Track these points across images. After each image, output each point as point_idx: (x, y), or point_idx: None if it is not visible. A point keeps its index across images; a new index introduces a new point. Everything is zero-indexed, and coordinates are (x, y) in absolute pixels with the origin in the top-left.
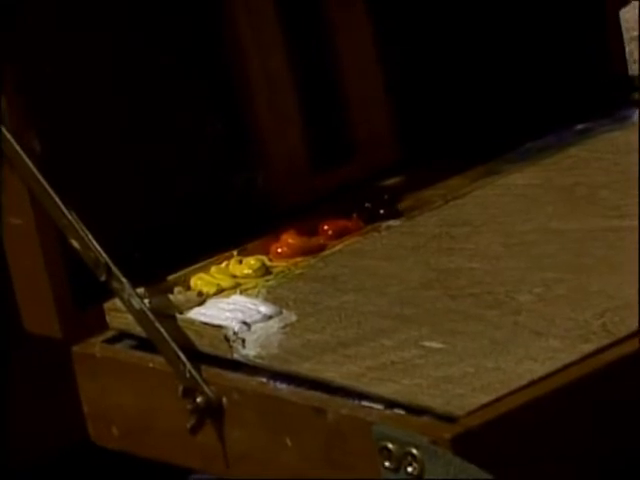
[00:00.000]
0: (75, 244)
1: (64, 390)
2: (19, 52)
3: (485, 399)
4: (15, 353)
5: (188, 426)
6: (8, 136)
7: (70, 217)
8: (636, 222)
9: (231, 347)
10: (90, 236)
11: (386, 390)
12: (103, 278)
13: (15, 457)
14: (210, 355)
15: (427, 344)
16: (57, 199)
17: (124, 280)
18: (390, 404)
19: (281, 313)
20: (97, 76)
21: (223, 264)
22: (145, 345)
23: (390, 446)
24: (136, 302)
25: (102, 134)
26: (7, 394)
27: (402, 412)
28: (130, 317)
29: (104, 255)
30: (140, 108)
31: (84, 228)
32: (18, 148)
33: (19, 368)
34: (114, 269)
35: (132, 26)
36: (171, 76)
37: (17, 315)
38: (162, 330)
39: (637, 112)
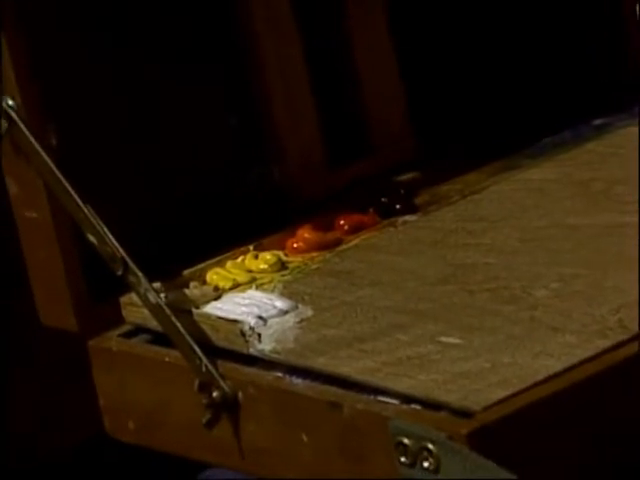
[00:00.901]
0: (91, 238)
1: (73, 386)
2: (35, 43)
3: (502, 394)
4: (17, 351)
5: (204, 421)
6: (25, 130)
7: (86, 211)
8: None
9: (247, 342)
10: (106, 230)
11: (402, 385)
12: (119, 272)
13: (20, 456)
14: (226, 350)
15: (443, 339)
16: (73, 193)
17: (140, 274)
18: (406, 399)
19: (297, 308)
20: (114, 69)
21: (239, 259)
22: (161, 339)
23: (406, 441)
24: (152, 296)
25: (118, 128)
26: (9, 392)
27: (418, 407)
28: (146, 311)
29: (121, 249)
30: (156, 102)
31: (100, 222)
32: (35, 142)
33: (24, 365)
34: (130, 263)
35: (148, 18)
36: (186, 69)
37: (26, 310)
38: (178, 324)
39: None
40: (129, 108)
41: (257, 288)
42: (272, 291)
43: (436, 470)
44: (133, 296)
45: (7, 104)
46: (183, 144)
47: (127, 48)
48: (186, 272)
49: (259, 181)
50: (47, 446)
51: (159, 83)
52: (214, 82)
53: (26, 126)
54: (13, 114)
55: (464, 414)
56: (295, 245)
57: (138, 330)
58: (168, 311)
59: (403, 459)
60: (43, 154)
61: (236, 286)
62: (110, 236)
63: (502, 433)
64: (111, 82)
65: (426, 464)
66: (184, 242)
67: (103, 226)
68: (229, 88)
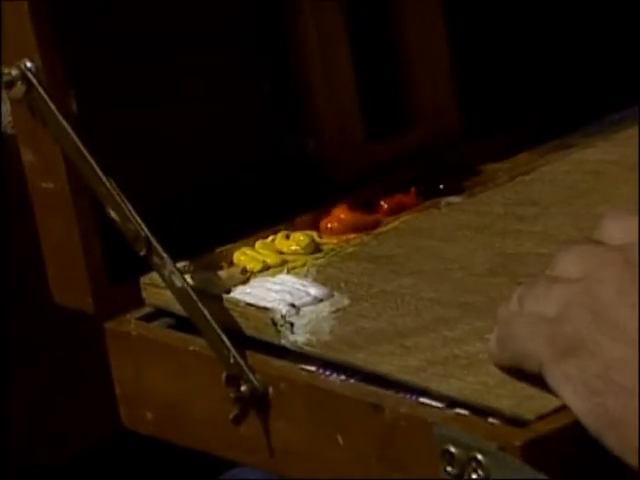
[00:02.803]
0: (113, 214)
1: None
2: (58, 3)
3: (559, 402)
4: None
5: (231, 416)
6: (43, 94)
7: (108, 185)
8: None
9: (279, 332)
10: (130, 206)
11: (448, 387)
12: (143, 252)
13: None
14: (256, 340)
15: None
16: (94, 164)
17: (165, 255)
18: (452, 403)
19: (332, 296)
20: (141, 32)
21: (269, 239)
22: (183, 324)
23: (453, 450)
24: (178, 280)
25: (143, 95)
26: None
27: (465, 412)
28: (168, 293)
29: (145, 227)
30: (184, 67)
31: (123, 197)
32: (54, 108)
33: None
34: (155, 243)
35: None
36: (218, 34)
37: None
38: (205, 311)
39: None
40: (155, 74)
41: (289, 272)
42: (305, 276)
43: None
44: (154, 276)
45: (25, 66)
46: (211, 112)
47: (154, 10)
48: (212, 253)
49: (292, 154)
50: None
51: (187, 47)
52: (246, 45)
53: (45, 91)
54: (32, 77)
55: (517, 423)
56: (329, 225)
57: (159, 313)
58: (195, 296)
59: (449, 469)
60: (63, 121)
61: (266, 268)
62: (134, 212)
63: (559, 445)
64: (137, 47)
65: (474, 476)
66: (209, 219)
67: (126, 201)
68: (262, 51)
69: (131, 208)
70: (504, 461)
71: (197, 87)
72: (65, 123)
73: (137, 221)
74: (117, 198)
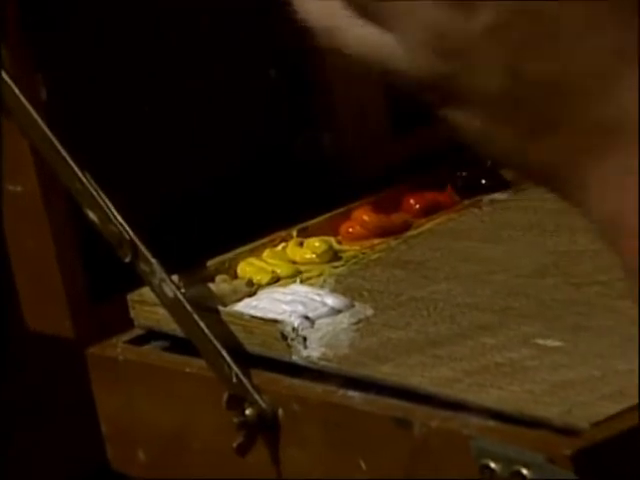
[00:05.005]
0: (92, 216)
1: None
2: None
3: (615, 408)
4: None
5: (235, 445)
6: (8, 81)
7: (85, 180)
8: None
9: (289, 347)
10: (111, 205)
11: (488, 398)
12: (128, 259)
13: None
14: (263, 357)
15: (541, 342)
16: (68, 158)
17: (154, 261)
18: (492, 416)
19: (353, 306)
20: (125, 6)
21: (279, 247)
22: (179, 346)
23: (493, 465)
24: (170, 289)
25: (127, 79)
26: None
27: (507, 424)
28: (161, 311)
29: (129, 230)
30: (178, 48)
31: (103, 196)
32: (20, 95)
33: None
34: (142, 247)
35: None
36: (213, 17)
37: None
38: (202, 324)
39: None
40: (140, 57)
41: (302, 282)
42: (321, 286)
43: None
44: (144, 292)
45: None
46: (211, 101)
47: None
48: (212, 262)
49: (306, 149)
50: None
51: (184, 28)
52: (251, 26)
53: (11, 77)
54: None
55: (567, 432)
56: (351, 230)
57: (150, 335)
58: (189, 307)
59: None
60: (31, 110)
61: (275, 280)
62: (115, 212)
63: (614, 455)
64: (122, 23)
65: None
66: (210, 224)
67: (106, 200)
68: (269, 34)
69: (112, 207)
70: (553, 474)
71: (195, 73)
72: (33, 112)
73: (119, 222)
74: (95, 195)
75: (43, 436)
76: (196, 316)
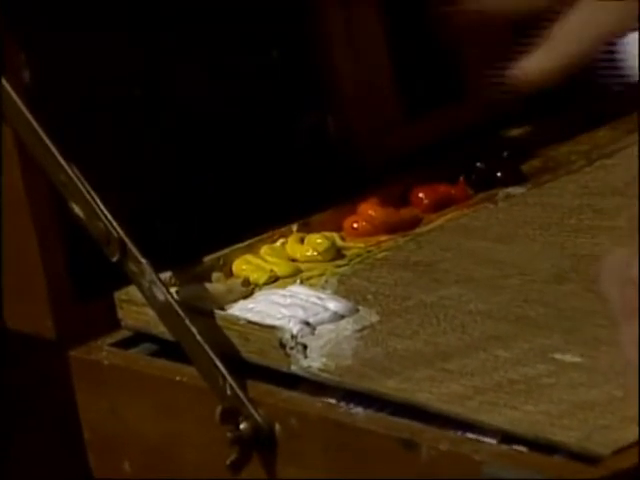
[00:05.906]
0: (77, 210)
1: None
2: None
3: (638, 433)
4: None
5: (228, 462)
6: None
7: (71, 173)
8: None
9: (288, 356)
10: (98, 200)
11: (501, 419)
12: (115, 258)
13: None
14: (259, 366)
15: (559, 357)
16: (53, 147)
17: (144, 261)
18: (505, 438)
19: (357, 311)
20: None
21: (278, 243)
22: (169, 350)
23: None
24: (160, 291)
25: (118, 61)
26: None
27: (523, 449)
28: (150, 312)
29: (117, 226)
30: (175, 30)
31: (89, 188)
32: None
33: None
34: (130, 245)
35: None
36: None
37: None
38: (194, 330)
39: None
40: (135, 38)
41: (302, 283)
42: (323, 287)
43: None
44: (131, 290)
45: None
46: (206, 84)
47: None
48: (206, 260)
49: (308, 134)
50: None
51: (179, 6)
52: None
53: None
54: None
55: (585, 459)
56: (355, 225)
57: (138, 338)
58: (181, 312)
59: None
60: (12, 94)
61: (274, 280)
62: (103, 207)
63: None
64: (112, 7)
65: None
66: (202, 218)
67: (93, 193)
68: (272, 13)
69: (100, 202)
70: None
71: (190, 54)
72: (15, 95)
73: (107, 217)
74: (81, 188)
75: (20, 441)
76: (188, 322)
